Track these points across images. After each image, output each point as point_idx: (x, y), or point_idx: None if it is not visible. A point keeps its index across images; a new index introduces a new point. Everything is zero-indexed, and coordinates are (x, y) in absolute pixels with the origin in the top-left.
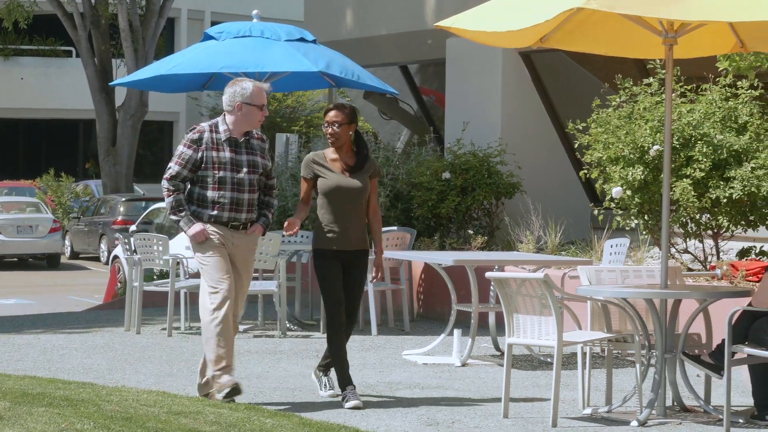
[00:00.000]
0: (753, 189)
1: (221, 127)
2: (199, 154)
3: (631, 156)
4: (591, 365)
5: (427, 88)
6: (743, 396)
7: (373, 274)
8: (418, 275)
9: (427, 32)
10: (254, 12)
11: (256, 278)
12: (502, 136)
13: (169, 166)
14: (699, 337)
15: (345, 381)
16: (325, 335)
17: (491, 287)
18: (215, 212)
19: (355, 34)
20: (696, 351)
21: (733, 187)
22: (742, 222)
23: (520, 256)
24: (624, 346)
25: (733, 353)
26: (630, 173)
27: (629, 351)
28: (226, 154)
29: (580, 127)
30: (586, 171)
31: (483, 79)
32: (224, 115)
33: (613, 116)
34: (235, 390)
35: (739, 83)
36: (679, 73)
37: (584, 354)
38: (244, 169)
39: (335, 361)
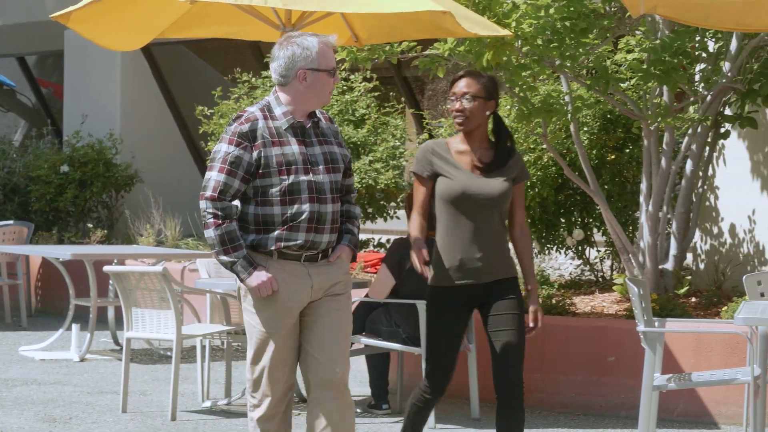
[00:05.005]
0: (371, 182)
1: (278, 110)
2: (255, 154)
3: None
4: (211, 358)
5: (45, 79)
6: (361, 386)
7: (530, 323)
8: (36, 270)
9: (45, 23)
10: None
11: None
12: (122, 128)
13: (208, 178)
14: None
15: None
16: None
17: (110, 281)
18: (285, 235)
19: None
20: None
21: None
22: (361, 215)
23: (139, 249)
24: (243, 339)
25: (351, 343)
26: None
27: None
28: (294, 147)
29: (208, 113)
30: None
31: (102, 71)
32: (276, 91)
33: (236, 108)
34: None
35: (352, 77)
36: None
37: (203, 347)
38: (321, 167)
39: None
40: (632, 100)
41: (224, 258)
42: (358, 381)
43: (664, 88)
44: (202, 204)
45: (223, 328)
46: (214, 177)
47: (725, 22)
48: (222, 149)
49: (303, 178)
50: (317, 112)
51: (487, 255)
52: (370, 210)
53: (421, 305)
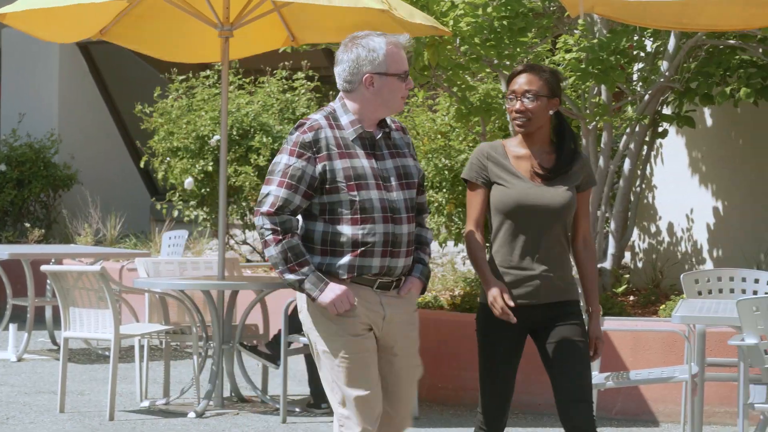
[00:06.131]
0: None
1: (344, 119)
2: (319, 167)
3: (193, 146)
4: (149, 358)
5: None
6: (300, 385)
7: (590, 352)
8: None
9: None
10: None
11: None
12: (60, 127)
13: (266, 192)
14: (257, 328)
15: None
16: None
17: (48, 281)
18: (359, 262)
19: None
20: (254, 342)
21: None
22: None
23: (77, 249)
24: (182, 338)
25: (290, 343)
26: (196, 164)
27: (187, 342)
28: (363, 161)
29: (148, 111)
30: (147, 159)
31: (39, 69)
32: (342, 98)
33: (175, 106)
34: None
35: (295, 76)
36: (237, 66)
37: (142, 347)
38: (394, 183)
39: None
40: (571, 99)
41: (290, 277)
42: (297, 380)
43: (602, 87)
44: (259, 221)
45: (161, 328)
46: (273, 192)
47: (662, 21)
48: (282, 161)
49: (374, 195)
50: (388, 120)
51: (548, 273)
52: None
53: None
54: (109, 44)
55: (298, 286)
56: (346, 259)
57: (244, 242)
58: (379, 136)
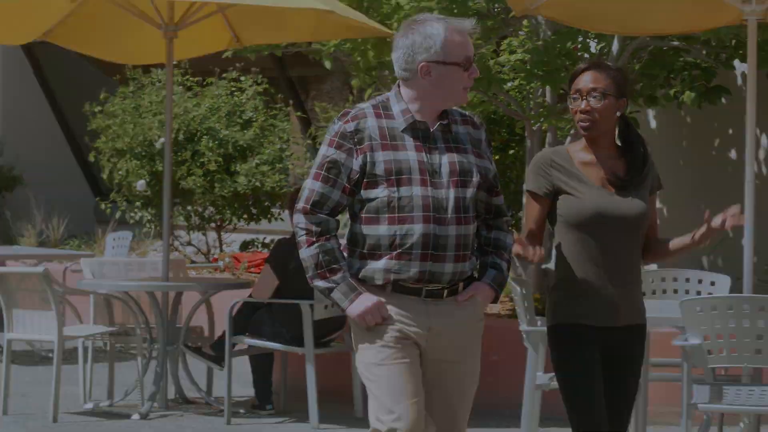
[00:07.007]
0: (257, 184)
1: (396, 107)
2: (359, 160)
3: (140, 149)
4: (93, 359)
5: None
6: (245, 387)
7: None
8: None
9: None
10: None
11: None
12: (3, 128)
13: (303, 186)
14: (202, 330)
15: None
16: None
17: None
18: (395, 266)
19: None
20: (199, 343)
21: (237, 182)
22: (245, 215)
23: (20, 250)
24: (127, 340)
25: (234, 344)
26: (145, 166)
27: (132, 344)
28: (410, 153)
29: (96, 111)
30: (95, 157)
31: None
32: (399, 86)
33: (119, 107)
34: None
35: (243, 78)
36: (187, 66)
37: (85, 348)
38: (445, 180)
39: None
40: (516, 100)
41: (320, 284)
42: (242, 382)
43: (547, 88)
44: (295, 218)
45: (105, 329)
46: (309, 186)
47: (607, 25)
48: (321, 152)
49: (417, 191)
50: (455, 112)
51: (627, 291)
52: (254, 211)
53: (304, 305)
54: (53, 44)
55: (328, 294)
56: (382, 263)
57: (189, 243)
58: (434, 128)
